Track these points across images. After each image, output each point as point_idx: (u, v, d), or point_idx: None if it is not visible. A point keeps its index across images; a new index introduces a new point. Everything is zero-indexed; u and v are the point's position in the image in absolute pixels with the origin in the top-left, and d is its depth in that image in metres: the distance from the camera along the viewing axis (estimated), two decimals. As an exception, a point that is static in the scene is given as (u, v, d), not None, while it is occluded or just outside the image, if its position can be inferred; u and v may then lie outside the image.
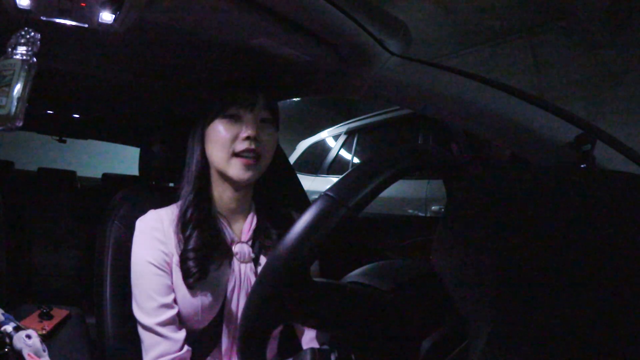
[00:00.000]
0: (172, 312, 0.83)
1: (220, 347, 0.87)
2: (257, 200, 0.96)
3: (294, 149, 4.07)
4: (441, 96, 0.81)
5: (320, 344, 0.58)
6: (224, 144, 0.85)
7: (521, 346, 0.34)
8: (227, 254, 0.88)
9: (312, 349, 0.55)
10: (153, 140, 1.12)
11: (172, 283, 0.85)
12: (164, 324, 0.82)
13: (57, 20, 0.69)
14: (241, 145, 0.84)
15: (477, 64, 4.66)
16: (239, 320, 0.77)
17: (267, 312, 0.47)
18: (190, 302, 0.84)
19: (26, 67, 0.66)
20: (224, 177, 0.88)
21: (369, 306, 0.54)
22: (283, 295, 0.47)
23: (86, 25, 0.71)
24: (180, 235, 0.86)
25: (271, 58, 0.87)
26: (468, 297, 0.41)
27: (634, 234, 0.34)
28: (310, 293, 0.49)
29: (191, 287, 0.83)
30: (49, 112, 1.87)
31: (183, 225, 0.86)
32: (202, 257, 0.83)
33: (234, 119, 0.86)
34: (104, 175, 3.35)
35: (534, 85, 4.29)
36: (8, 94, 0.64)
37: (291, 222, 0.47)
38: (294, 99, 1.23)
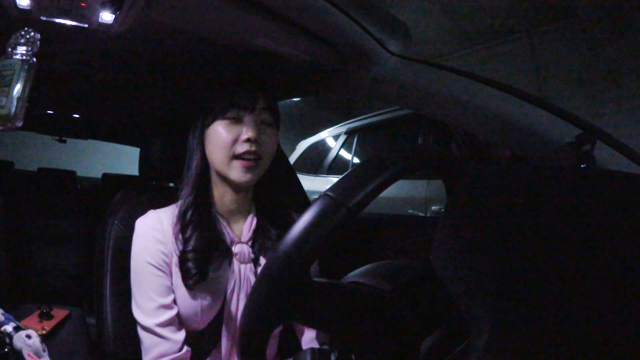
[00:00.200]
0: (171, 313, 0.83)
1: (220, 347, 0.87)
2: (257, 201, 0.96)
3: (294, 149, 4.07)
4: (441, 96, 0.81)
5: (320, 344, 0.58)
6: (224, 146, 0.85)
7: (521, 346, 0.34)
8: (227, 255, 0.88)
9: (312, 349, 0.55)
10: (153, 140, 1.12)
11: (171, 284, 0.85)
12: (163, 324, 0.82)
13: (57, 20, 0.69)
14: (241, 148, 0.84)
15: (477, 64, 4.66)
16: (238, 321, 0.77)
17: (267, 312, 0.47)
18: (190, 302, 0.84)
19: (26, 67, 0.66)
20: (224, 178, 0.88)
21: (369, 306, 0.54)
22: (283, 295, 0.47)
23: (86, 25, 0.71)
24: (180, 236, 0.86)
25: (271, 58, 0.87)
26: (468, 297, 0.41)
27: (634, 234, 0.34)
28: (310, 293, 0.49)
29: (191, 288, 0.83)
30: (49, 112, 1.87)
31: (183, 226, 0.86)
32: (202, 258, 0.83)
33: (234, 120, 0.86)
34: (104, 175, 3.35)
35: (534, 85, 4.29)
36: (8, 94, 0.64)
37: (291, 222, 0.47)
38: (294, 99, 1.23)
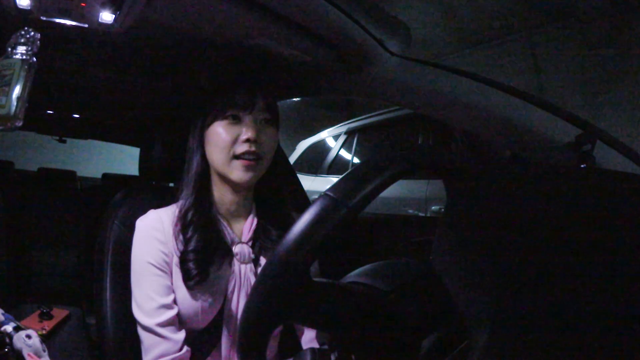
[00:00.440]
0: (171, 313, 0.83)
1: (220, 347, 0.87)
2: (257, 201, 0.96)
3: (294, 149, 4.07)
4: (441, 96, 0.81)
5: (320, 344, 0.58)
6: (224, 146, 0.85)
7: (521, 346, 0.34)
8: (228, 255, 0.88)
9: (312, 349, 0.55)
10: (153, 140, 1.12)
11: (172, 283, 0.85)
12: (163, 324, 0.82)
13: (57, 20, 0.69)
14: (241, 148, 0.84)
15: (477, 64, 4.66)
16: (238, 321, 0.77)
17: (267, 312, 0.47)
18: (190, 302, 0.84)
19: (26, 67, 0.66)
20: (225, 179, 0.88)
21: (369, 306, 0.54)
22: (283, 295, 0.46)
23: (86, 25, 0.71)
24: (181, 236, 0.86)
25: (271, 58, 0.87)
26: (468, 297, 0.41)
27: (634, 234, 0.34)
28: (310, 293, 0.49)
29: (191, 288, 0.83)
30: (49, 112, 1.87)
31: (183, 226, 0.86)
32: (203, 258, 0.83)
33: (234, 120, 0.86)
34: (104, 175, 3.35)
35: (534, 85, 4.29)
36: (8, 94, 0.64)
37: (291, 222, 0.47)
38: (294, 99, 1.23)
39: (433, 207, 2.37)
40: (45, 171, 3.20)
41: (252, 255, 0.90)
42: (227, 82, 0.91)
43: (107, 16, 0.68)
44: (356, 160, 3.26)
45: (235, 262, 0.88)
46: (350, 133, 3.38)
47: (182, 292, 0.84)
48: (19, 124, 0.65)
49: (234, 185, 0.89)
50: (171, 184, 1.17)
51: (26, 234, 2.69)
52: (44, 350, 0.73)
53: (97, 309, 0.97)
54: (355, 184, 0.47)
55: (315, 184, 3.19)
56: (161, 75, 1.12)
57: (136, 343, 0.86)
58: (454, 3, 4.30)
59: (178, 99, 1.31)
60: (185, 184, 0.91)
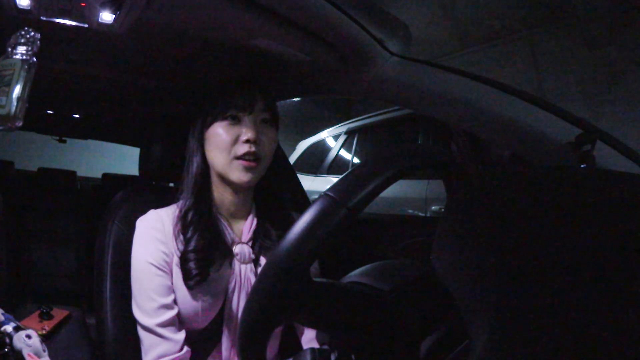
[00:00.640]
0: (172, 313, 0.83)
1: (220, 347, 0.87)
2: (257, 201, 0.96)
3: (294, 149, 4.07)
4: (441, 96, 0.81)
5: (320, 344, 0.58)
6: (224, 147, 0.85)
7: (521, 346, 0.34)
8: (228, 255, 0.88)
9: (312, 349, 0.55)
10: (153, 140, 1.12)
11: (172, 283, 0.85)
12: (163, 324, 0.82)
13: (57, 20, 0.69)
14: (241, 149, 0.84)
15: (477, 64, 4.66)
16: (239, 321, 0.77)
17: (267, 312, 0.47)
18: (190, 302, 0.84)
19: (26, 67, 0.66)
20: (224, 179, 0.88)
21: (369, 306, 0.54)
22: (283, 296, 0.47)
23: (86, 25, 0.71)
24: (181, 236, 0.86)
25: (271, 58, 0.87)
26: (468, 297, 0.41)
27: (634, 234, 0.34)
28: (310, 293, 0.49)
29: (191, 288, 0.83)
30: (49, 112, 1.87)
31: (183, 227, 0.86)
32: (203, 258, 0.83)
33: (234, 121, 0.86)
34: (104, 175, 3.35)
35: (534, 85, 4.29)
36: (8, 94, 0.64)
37: (291, 222, 0.47)
38: (294, 99, 1.23)
39: (433, 207, 2.37)
40: (45, 171, 3.20)
41: (252, 256, 0.90)
42: (227, 82, 0.91)
43: (107, 16, 0.68)
44: (356, 160, 3.26)
45: (236, 262, 0.88)
46: (350, 133, 3.38)
47: (182, 292, 0.84)
48: (19, 124, 0.65)
49: (233, 186, 0.89)
50: (171, 184, 1.17)
51: (26, 234, 2.69)
52: (44, 350, 0.73)
53: (97, 309, 0.97)
54: (355, 184, 0.47)
55: (315, 184, 3.19)
56: (161, 75, 1.12)
57: (136, 343, 0.86)
58: (454, 3, 4.30)
59: (178, 99, 1.31)
60: (185, 184, 0.91)
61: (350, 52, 0.79)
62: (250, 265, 0.89)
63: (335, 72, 0.89)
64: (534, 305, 0.34)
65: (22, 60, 0.66)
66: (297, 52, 0.81)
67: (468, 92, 0.79)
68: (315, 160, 3.60)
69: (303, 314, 0.51)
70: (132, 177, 2.94)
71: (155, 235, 0.86)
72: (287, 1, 0.66)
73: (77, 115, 1.98)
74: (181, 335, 0.83)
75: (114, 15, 0.68)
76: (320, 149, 3.69)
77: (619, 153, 0.73)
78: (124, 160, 3.69)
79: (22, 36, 0.67)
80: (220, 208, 0.91)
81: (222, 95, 0.88)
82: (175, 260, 0.85)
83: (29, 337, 0.71)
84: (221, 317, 0.87)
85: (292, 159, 3.85)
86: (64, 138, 2.93)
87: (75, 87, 1.32)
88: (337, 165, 3.36)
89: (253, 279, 0.88)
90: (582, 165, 0.71)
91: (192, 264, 0.83)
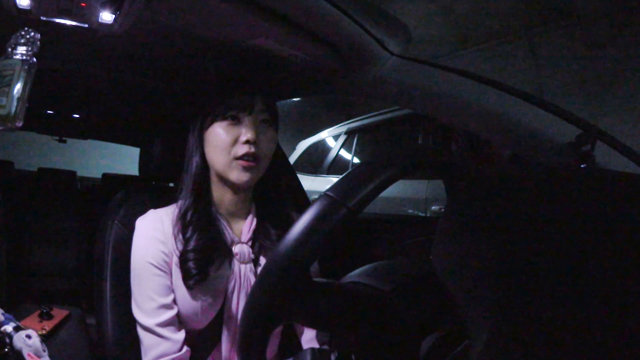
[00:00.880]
0: (171, 313, 0.83)
1: (220, 347, 0.87)
2: (257, 201, 0.96)
3: (294, 149, 4.07)
4: (441, 96, 0.81)
5: (320, 344, 0.58)
6: (223, 147, 0.85)
7: (521, 346, 0.34)
8: (227, 255, 0.88)
9: (312, 349, 0.55)
10: (153, 140, 1.12)
11: (171, 283, 0.85)
12: (163, 324, 0.82)
13: (57, 20, 0.69)
14: (241, 149, 0.84)
15: (477, 64, 4.66)
16: (238, 321, 0.77)
17: (267, 312, 0.47)
18: (190, 302, 0.84)
19: (26, 67, 0.66)
20: (224, 179, 0.88)
21: (369, 306, 0.54)
22: (283, 295, 0.47)
23: (86, 25, 0.71)
24: (180, 236, 0.86)
25: (271, 58, 0.87)
26: (468, 297, 0.41)
27: (634, 234, 0.34)
28: (310, 293, 0.49)
29: (191, 288, 0.83)
30: (49, 112, 1.87)
31: (183, 226, 0.86)
32: (203, 258, 0.83)
33: (233, 121, 0.86)
34: (104, 175, 3.35)
35: (534, 85, 4.29)
36: (8, 94, 0.64)
37: (291, 222, 0.47)
38: (294, 99, 1.23)
39: (433, 207, 2.37)
40: (45, 171, 3.20)
41: (252, 255, 0.90)
42: (227, 82, 0.91)
43: (107, 16, 0.68)
44: (356, 160, 3.26)
45: (235, 262, 0.88)
46: (350, 133, 3.38)
47: (181, 292, 0.84)
48: (19, 124, 0.65)
49: (233, 186, 0.89)
50: (171, 184, 1.17)
51: (26, 234, 2.69)
52: (44, 350, 0.73)
53: (97, 309, 0.97)
54: (355, 184, 0.47)
55: (315, 184, 3.19)
56: (161, 75, 1.12)
57: (136, 343, 0.86)
58: (454, 3, 4.30)
59: (178, 99, 1.31)
60: (184, 184, 0.91)
61: (350, 52, 0.79)
62: (250, 265, 0.89)
63: (335, 72, 0.89)
64: (533, 305, 0.34)
65: (22, 60, 0.66)
66: (297, 52, 0.81)
67: (468, 92, 0.79)
68: (315, 161, 3.60)
69: (303, 314, 0.51)
70: (132, 177, 2.94)
71: (154, 235, 0.86)
72: (287, 1, 0.66)
73: (77, 115, 1.99)
74: (181, 335, 0.83)
75: (114, 15, 0.68)
76: (320, 149, 3.69)
77: (619, 153, 0.73)
78: (124, 160, 3.68)
79: (22, 36, 0.67)
80: (219, 208, 0.91)
81: (221, 95, 0.88)
82: (175, 260, 0.85)
83: (29, 337, 0.71)
84: (221, 317, 0.87)
85: (292, 159, 3.85)
86: (64, 138, 2.93)
87: (75, 87, 1.32)
88: (337, 166, 3.36)
89: (253, 279, 0.89)
90: (582, 165, 0.71)
91: (191, 264, 0.83)
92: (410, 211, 2.50)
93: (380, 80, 0.84)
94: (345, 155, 3.38)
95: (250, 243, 0.91)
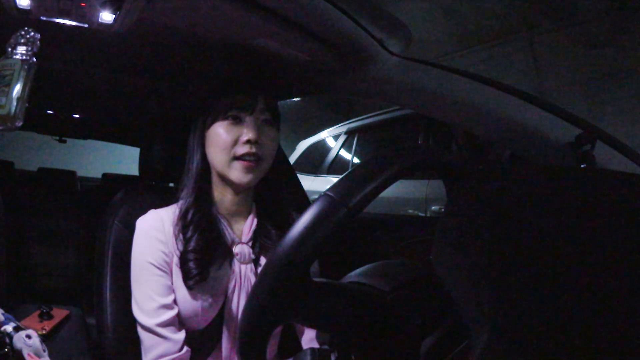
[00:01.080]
0: (172, 313, 0.83)
1: (220, 347, 0.87)
2: (257, 201, 0.96)
3: (294, 149, 4.07)
4: (441, 96, 0.81)
5: (320, 344, 0.58)
6: (224, 147, 0.85)
7: (521, 346, 0.34)
8: (228, 255, 0.88)
9: (312, 349, 0.55)
10: (153, 140, 1.12)
11: (172, 283, 0.85)
12: (163, 324, 0.82)
13: (57, 20, 0.69)
14: (242, 149, 0.84)
15: (477, 64, 4.66)
16: (239, 321, 0.77)
17: (267, 312, 0.47)
18: (190, 302, 0.84)
19: (26, 67, 0.66)
20: (225, 179, 0.88)
21: (369, 306, 0.54)
22: (283, 296, 0.47)
23: (86, 25, 0.71)
24: (181, 236, 0.86)
25: (271, 58, 0.87)
26: (468, 297, 0.41)
27: (634, 234, 0.34)
28: (310, 293, 0.49)
29: (191, 288, 0.83)
30: (49, 112, 1.87)
31: (184, 226, 0.86)
32: (203, 258, 0.83)
33: (235, 121, 0.86)
34: (104, 175, 3.35)
35: (534, 85, 4.29)
36: (8, 94, 0.64)
37: (291, 222, 0.47)
38: (294, 99, 1.23)
39: (433, 207, 2.37)
40: (45, 171, 3.20)
41: (252, 256, 0.90)
42: (228, 82, 0.91)
43: (107, 16, 0.68)
44: (356, 160, 3.26)
45: (236, 262, 0.88)
46: (350, 133, 3.39)
47: (182, 292, 0.84)
48: (19, 124, 0.65)
49: (234, 186, 0.89)
50: (171, 184, 1.17)
51: (26, 234, 2.69)
52: (44, 350, 0.73)
53: (97, 309, 0.97)
54: (355, 184, 0.47)
55: (315, 184, 3.19)
56: (161, 75, 1.12)
57: (136, 343, 0.86)
58: (454, 3, 4.30)
59: (178, 99, 1.31)
60: (185, 184, 0.91)
61: (350, 52, 0.79)
62: (251, 266, 0.89)
63: (335, 72, 0.89)
64: (533, 305, 0.34)
65: (22, 60, 0.66)
66: (297, 52, 0.81)
67: (468, 92, 0.79)
68: (315, 161, 3.60)
69: (303, 314, 0.51)
70: (132, 177, 2.94)
71: (155, 235, 0.86)
72: (288, 1, 0.66)
73: (77, 115, 1.99)
74: (181, 335, 0.83)
75: (114, 15, 0.68)
76: (320, 149, 3.69)
77: (619, 153, 0.73)
78: (124, 160, 3.68)
79: (22, 36, 0.67)
80: (220, 208, 0.91)
81: (223, 95, 0.88)
82: (175, 260, 0.85)
83: (29, 337, 0.71)
84: (221, 317, 0.87)
85: (292, 159, 3.85)
86: (64, 138, 2.93)
87: (75, 87, 1.32)
88: (337, 166, 3.36)
89: (253, 279, 0.88)
90: (582, 165, 0.71)
91: (191, 264, 0.83)
92: (410, 211, 2.50)
93: (380, 80, 0.84)
94: (345, 155, 3.38)
95: (250, 243, 0.91)
